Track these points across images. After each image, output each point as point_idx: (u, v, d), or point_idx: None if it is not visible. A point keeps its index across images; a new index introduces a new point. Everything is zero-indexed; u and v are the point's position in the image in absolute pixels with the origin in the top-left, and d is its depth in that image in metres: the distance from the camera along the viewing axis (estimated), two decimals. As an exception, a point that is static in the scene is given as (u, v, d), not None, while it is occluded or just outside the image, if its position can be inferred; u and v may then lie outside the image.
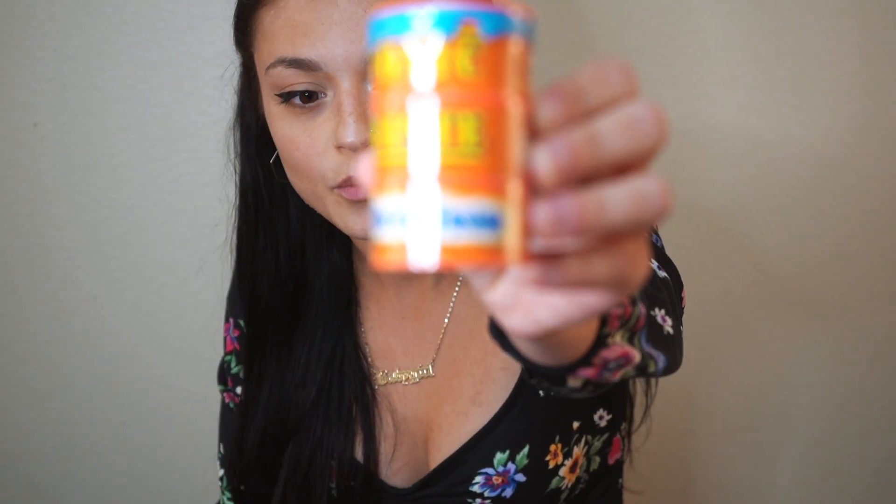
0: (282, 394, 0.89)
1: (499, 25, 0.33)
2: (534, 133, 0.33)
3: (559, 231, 0.33)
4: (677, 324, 0.64)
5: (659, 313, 0.62)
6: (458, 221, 0.32)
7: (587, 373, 0.50)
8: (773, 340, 1.32)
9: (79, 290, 1.30)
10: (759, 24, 1.21)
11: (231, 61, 0.83)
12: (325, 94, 0.73)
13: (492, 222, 0.33)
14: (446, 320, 0.87)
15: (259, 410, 0.89)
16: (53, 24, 1.20)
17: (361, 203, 0.73)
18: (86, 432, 1.35)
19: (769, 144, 1.23)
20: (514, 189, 0.33)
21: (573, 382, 0.52)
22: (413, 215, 0.33)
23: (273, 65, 0.72)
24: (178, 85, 1.22)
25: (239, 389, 0.95)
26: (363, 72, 0.71)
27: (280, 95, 0.73)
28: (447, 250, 0.32)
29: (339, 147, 0.72)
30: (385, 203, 0.33)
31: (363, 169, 0.35)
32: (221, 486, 0.98)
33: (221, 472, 0.98)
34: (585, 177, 0.33)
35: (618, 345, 0.50)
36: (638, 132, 0.33)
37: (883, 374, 1.33)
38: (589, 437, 0.85)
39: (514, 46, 0.33)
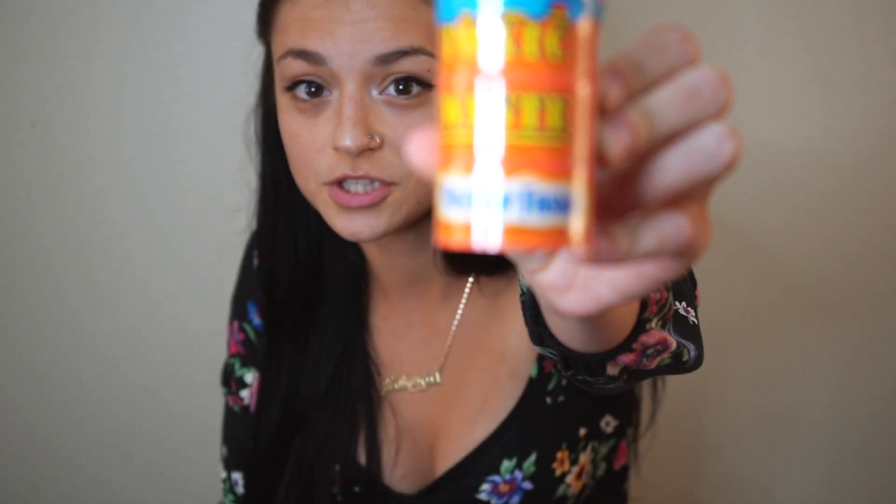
0: (298, 384, 0.89)
1: (581, 8, 0.32)
2: (599, 112, 0.33)
3: (624, 208, 0.33)
4: (697, 317, 0.65)
5: (682, 305, 0.62)
6: (529, 204, 0.32)
7: (627, 359, 0.50)
8: (782, 344, 1.33)
9: (78, 290, 1.30)
10: (776, 30, 1.21)
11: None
12: (331, 93, 0.73)
13: (561, 205, 0.32)
14: (454, 328, 0.86)
15: (277, 399, 0.90)
16: (53, 24, 1.20)
17: (351, 209, 0.73)
18: (86, 432, 1.35)
19: (779, 146, 1.23)
20: (582, 171, 0.33)
21: (611, 370, 0.52)
22: (479, 196, 0.32)
23: (283, 56, 0.73)
24: (179, 85, 1.22)
25: (243, 392, 0.96)
26: (368, 75, 0.71)
27: (287, 87, 0.74)
28: (513, 232, 0.32)
29: (336, 149, 0.72)
30: (452, 182, 0.33)
31: (416, 146, 0.34)
32: (223, 489, 0.98)
33: (224, 474, 0.98)
34: (650, 149, 0.33)
35: (655, 330, 0.50)
36: (697, 100, 0.33)
37: (892, 375, 1.33)
38: (595, 444, 0.85)
39: (592, 28, 0.33)
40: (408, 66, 0.70)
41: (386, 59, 0.70)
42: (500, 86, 0.32)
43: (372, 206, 0.73)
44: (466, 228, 0.32)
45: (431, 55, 0.70)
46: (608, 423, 0.86)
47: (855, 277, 1.28)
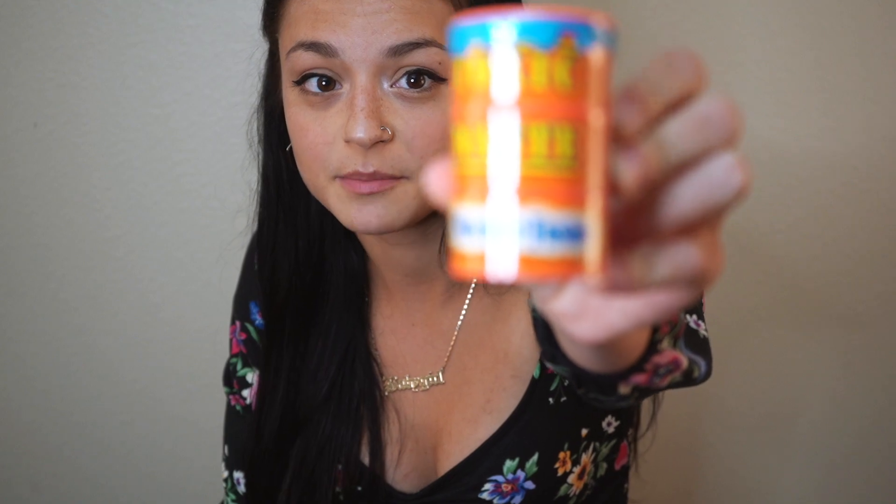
0: (298, 384, 0.89)
1: (592, 38, 0.33)
2: (613, 141, 0.33)
3: (635, 236, 0.34)
4: (706, 329, 0.65)
5: (692, 318, 0.62)
6: (541, 233, 0.32)
7: (639, 379, 0.50)
8: (782, 345, 1.33)
9: (79, 289, 1.30)
10: (776, 31, 1.21)
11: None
12: (341, 86, 0.73)
13: (574, 234, 0.32)
14: (457, 328, 0.86)
15: (277, 399, 0.90)
16: (53, 24, 1.20)
17: (364, 197, 0.73)
18: (86, 432, 1.35)
19: (780, 148, 1.24)
20: (595, 200, 0.33)
21: (623, 389, 0.52)
22: (494, 226, 0.32)
23: (293, 49, 0.73)
24: (178, 85, 1.22)
25: (245, 392, 0.96)
26: (380, 67, 0.71)
27: (296, 81, 0.74)
28: (527, 262, 0.32)
29: (348, 141, 0.72)
30: (466, 212, 0.33)
31: (434, 177, 0.35)
32: (225, 488, 0.98)
33: (226, 473, 0.98)
34: (662, 178, 0.34)
35: (667, 350, 0.51)
36: (707, 130, 0.33)
37: (889, 377, 1.34)
38: (597, 444, 0.85)
39: (603, 58, 0.33)
40: (420, 58, 0.70)
41: (398, 50, 0.70)
42: (511, 116, 0.32)
43: (382, 194, 0.73)
44: (481, 258, 0.33)
45: (443, 48, 0.70)
46: (609, 424, 0.86)
47: (855, 279, 1.29)
